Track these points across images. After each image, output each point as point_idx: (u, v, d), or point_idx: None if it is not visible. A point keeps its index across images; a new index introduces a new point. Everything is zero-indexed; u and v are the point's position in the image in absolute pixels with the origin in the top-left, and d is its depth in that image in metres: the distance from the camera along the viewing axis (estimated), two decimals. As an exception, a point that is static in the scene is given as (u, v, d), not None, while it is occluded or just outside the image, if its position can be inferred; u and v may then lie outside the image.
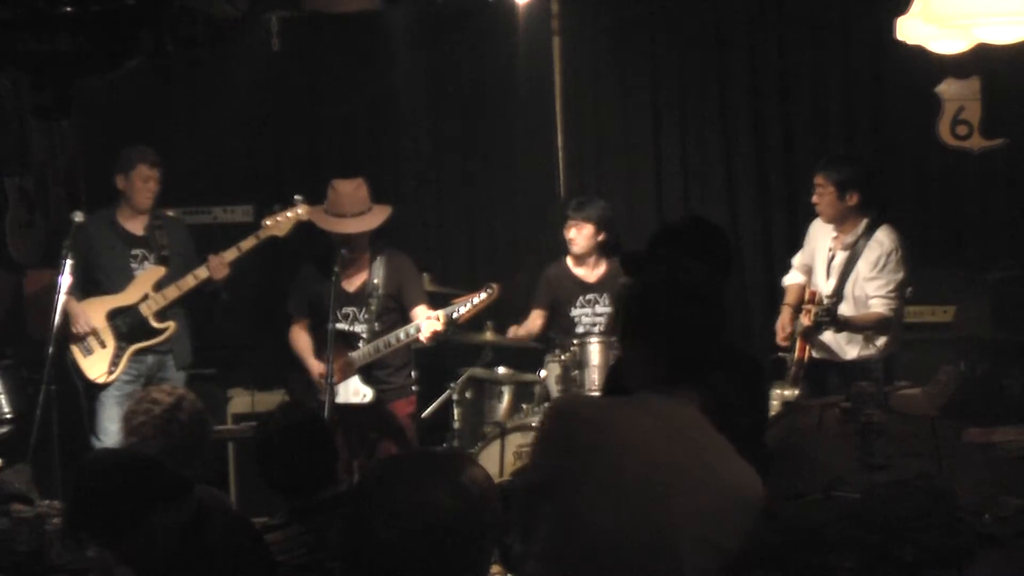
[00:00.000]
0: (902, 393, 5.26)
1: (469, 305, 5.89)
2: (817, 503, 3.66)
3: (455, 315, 5.86)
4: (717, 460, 2.73)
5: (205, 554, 3.30)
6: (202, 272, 6.22)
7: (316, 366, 5.99)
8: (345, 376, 5.93)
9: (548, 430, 2.81)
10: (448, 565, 2.03)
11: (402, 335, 5.87)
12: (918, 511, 3.35)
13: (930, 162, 7.22)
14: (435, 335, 5.83)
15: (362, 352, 5.92)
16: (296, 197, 6.29)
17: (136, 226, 6.39)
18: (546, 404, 6.09)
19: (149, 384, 5.99)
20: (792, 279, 6.35)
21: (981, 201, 7.12)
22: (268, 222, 6.28)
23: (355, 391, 5.94)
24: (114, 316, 6.24)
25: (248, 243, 6.26)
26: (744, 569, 2.79)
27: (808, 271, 6.24)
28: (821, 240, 6.12)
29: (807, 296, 6.05)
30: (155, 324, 6.27)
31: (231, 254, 6.25)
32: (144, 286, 6.29)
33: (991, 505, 3.54)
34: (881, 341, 5.83)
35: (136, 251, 6.36)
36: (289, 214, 6.26)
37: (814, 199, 6.02)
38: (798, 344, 5.99)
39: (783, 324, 6.13)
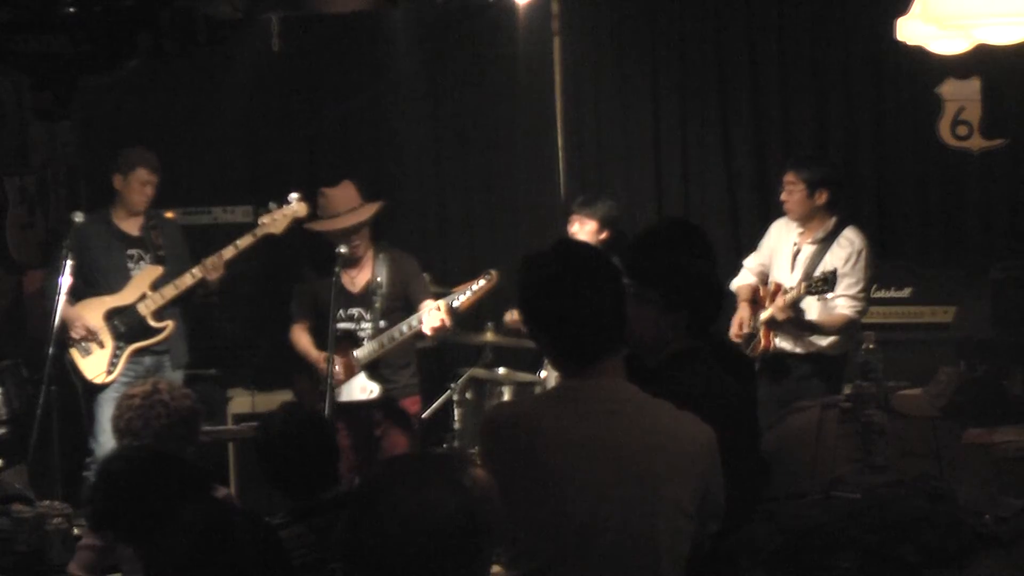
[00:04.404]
0: (902, 393, 5.26)
1: (469, 293, 5.86)
2: (817, 503, 3.67)
3: (455, 303, 5.82)
4: (653, 423, 2.77)
5: (228, 552, 3.29)
6: (198, 272, 6.21)
7: (319, 357, 5.94)
8: (349, 375, 5.92)
9: (485, 447, 2.84)
10: (449, 565, 2.03)
11: (405, 328, 5.84)
12: (918, 511, 3.35)
13: (930, 162, 7.22)
14: (439, 330, 5.79)
15: (366, 350, 5.91)
16: (292, 195, 6.28)
17: (132, 226, 6.39)
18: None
19: None
20: (742, 280, 6.32)
21: (981, 201, 7.13)
22: (265, 220, 6.26)
23: (361, 387, 5.92)
24: (111, 316, 6.23)
25: (245, 241, 6.24)
26: (710, 522, 2.83)
27: (762, 273, 6.24)
28: (784, 237, 6.13)
29: (772, 288, 6.04)
30: (153, 323, 6.26)
31: (228, 252, 6.22)
32: (141, 285, 6.28)
33: (991, 505, 3.53)
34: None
35: (132, 251, 6.35)
36: (286, 211, 6.23)
37: (783, 196, 6.05)
38: (761, 334, 5.99)
39: (740, 320, 6.12)
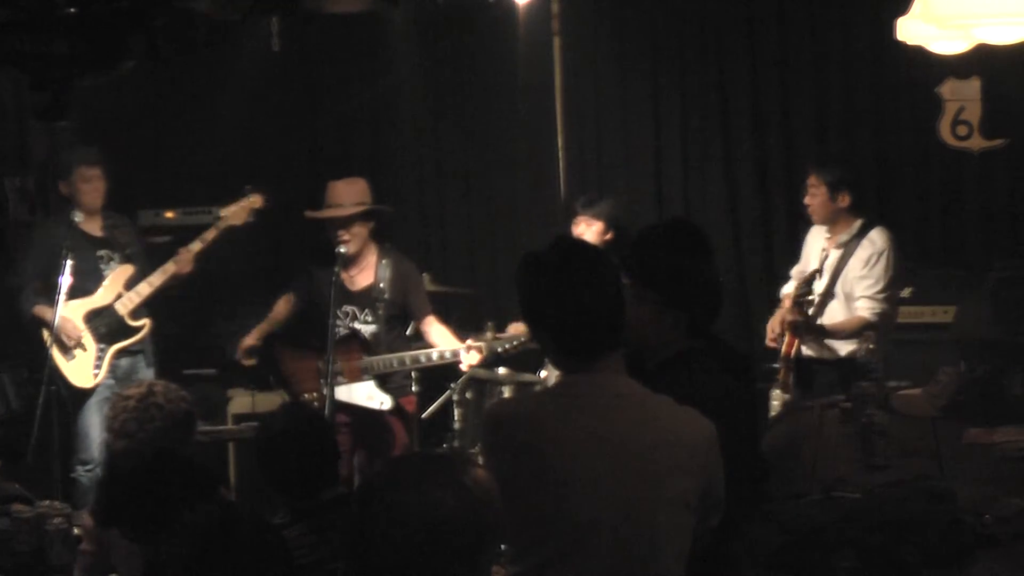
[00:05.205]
0: (902, 393, 5.26)
1: (516, 342, 5.89)
2: (817, 503, 3.67)
3: (499, 350, 5.87)
4: (654, 418, 2.78)
5: (233, 552, 3.30)
6: (171, 267, 6.25)
7: (249, 340, 6.04)
8: (355, 378, 5.89)
9: (487, 441, 2.86)
10: (450, 565, 2.03)
11: (435, 355, 5.84)
12: (919, 512, 3.36)
13: (931, 162, 7.22)
14: (475, 367, 5.89)
15: (382, 361, 5.88)
16: (247, 187, 6.40)
17: (94, 227, 6.36)
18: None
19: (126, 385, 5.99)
20: (789, 289, 6.35)
21: (981, 201, 7.12)
22: (225, 212, 6.37)
23: (368, 396, 5.90)
24: (91, 318, 6.23)
25: (210, 234, 6.33)
26: (713, 516, 2.83)
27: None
28: (815, 243, 6.15)
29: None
30: (131, 323, 6.28)
31: (196, 246, 6.28)
32: (116, 286, 6.30)
33: (991, 505, 3.54)
34: (871, 341, 5.84)
35: (102, 252, 6.35)
36: (243, 203, 6.36)
37: (806, 200, 6.06)
38: (786, 340, 5.99)
39: (772, 326, 6.13)
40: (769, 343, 6.07)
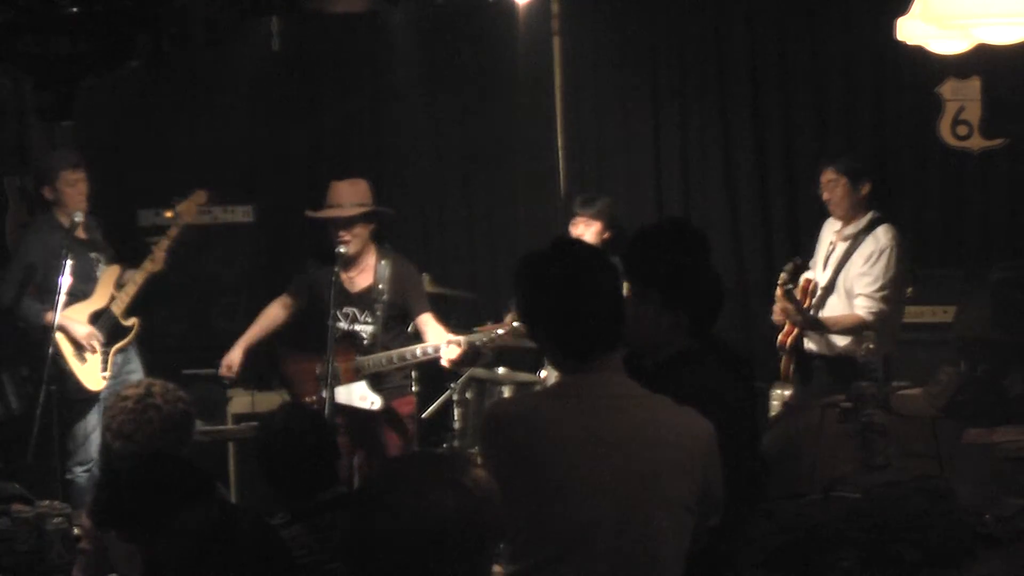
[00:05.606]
0: (902, 393, 5.26)
1: (494, 335, 5.87)
2: (817, 503, 3.67)
3: (478, 343, 5.85)
4: (653, 418, 2.78)
5: (232, 552, 3.30)
6: (148, 266, 6.32)
7: (235, 355, 6.02)
8: (349, 379, 5.89)
9: (485, 441, 2.86)
10: (450, 566, 2.03)
11: (419, 352, 5.83)
12: (918, 511, 3.35)
13: (931, 162, 7.21)
14: (455, 364, 5.85)
15: (373, 360, 5.88)
16: (190, 190, 6.58)
17: (80, 229, 6.37)
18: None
19: (120, 381, 6.01)
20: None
21: (981, 201, 7.12)
22: (180, 209, 6.51)
23: (361, 396, 5.89)
24: (93, 320, 6.25)
25: (172, 232, 6.45)
26: (712, 517, 2.83)
27: None
28: (825, 235, 6.14)
29: (803, 284, 6.05)
30: (124, 323, 6.33)
31: (164, 244, 6.38)
32: (108, 286, 6.34)
33: (991, 505, 3.54)
34: (871, 341, 5.83)
35: (93, 254, 6.38)
36: (190, 200, 6.54)
37: (825, 196, 6.01)
38: (785, 328, 5.98)
39: (775, 310, 6.12)
40: (774, 318, 6.05)
